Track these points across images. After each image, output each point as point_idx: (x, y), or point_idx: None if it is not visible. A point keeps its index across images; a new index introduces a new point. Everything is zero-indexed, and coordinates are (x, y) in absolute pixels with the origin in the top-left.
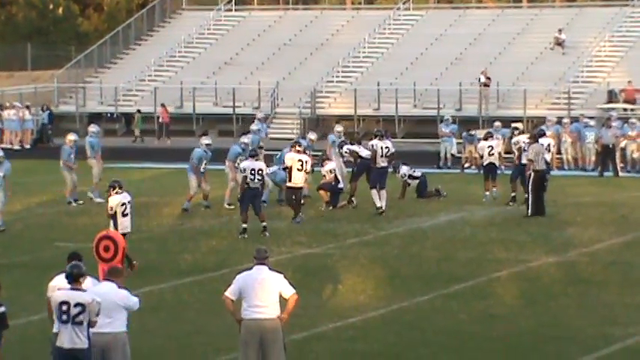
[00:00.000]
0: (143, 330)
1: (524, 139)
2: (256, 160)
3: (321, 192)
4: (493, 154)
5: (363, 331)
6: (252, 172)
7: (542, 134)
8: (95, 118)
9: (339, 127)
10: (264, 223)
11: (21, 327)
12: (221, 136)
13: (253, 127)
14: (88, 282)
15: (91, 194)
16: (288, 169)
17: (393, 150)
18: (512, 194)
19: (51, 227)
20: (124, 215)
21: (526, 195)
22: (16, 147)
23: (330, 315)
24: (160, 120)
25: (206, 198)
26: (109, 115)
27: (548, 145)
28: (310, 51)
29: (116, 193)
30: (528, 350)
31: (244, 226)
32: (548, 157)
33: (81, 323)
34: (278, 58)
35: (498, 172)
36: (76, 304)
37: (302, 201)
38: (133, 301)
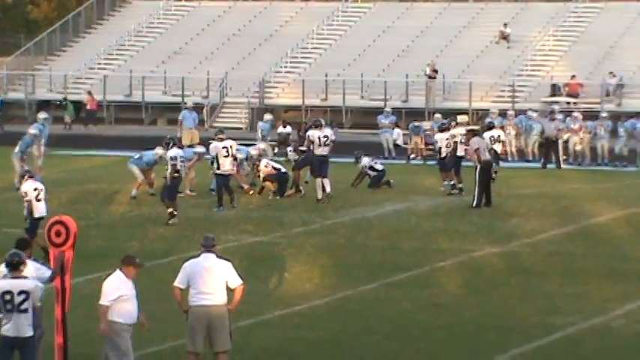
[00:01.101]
0: (90, 317)
1: (461, 131)
2: (179, 147)
3: (267, 183)
4: (450, 146)
5: (309, 318)
6: (182, 159)
7: (492, 126)
8: (44, 105)
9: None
10: (175, 211)
11: None
12: (170, 124)
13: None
14: (29, 268)
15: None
16: (216, 158)
17: (333, 138)
18: (452, 183)
19: None
20: (37, 200)
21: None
22: None
23: (276, 303)
24: (88, 107)
25: (151, 186)
26: (57, 102)
27: (498, 136)
28: (259, 41)
29: (25, 181)
30: (471, 339)
31: (174, 211)
32: (498, 148)
33: (26, 311)
34: (227, 48)
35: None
36: (20, 292)
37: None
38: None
